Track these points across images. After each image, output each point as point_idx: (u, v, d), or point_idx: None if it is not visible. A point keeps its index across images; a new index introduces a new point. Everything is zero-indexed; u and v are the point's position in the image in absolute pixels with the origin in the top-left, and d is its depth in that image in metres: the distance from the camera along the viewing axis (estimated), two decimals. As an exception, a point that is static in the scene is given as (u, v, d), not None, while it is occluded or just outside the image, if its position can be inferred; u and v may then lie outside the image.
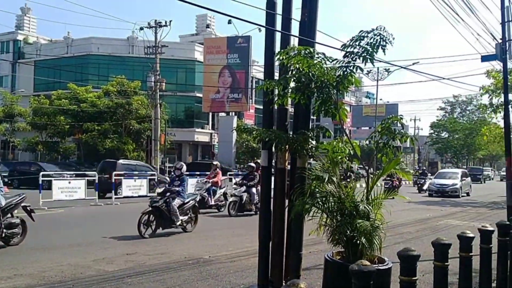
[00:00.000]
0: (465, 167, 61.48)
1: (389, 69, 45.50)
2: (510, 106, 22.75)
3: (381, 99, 71.41)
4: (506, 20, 11.59)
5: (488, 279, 5.35)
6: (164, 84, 33.81)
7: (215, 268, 7.78)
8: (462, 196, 27.54)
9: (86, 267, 7.73)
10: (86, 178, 19.21)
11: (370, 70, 47.26)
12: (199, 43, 48.63)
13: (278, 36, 6.79)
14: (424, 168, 51.09)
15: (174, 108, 44.47)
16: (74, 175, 21.63)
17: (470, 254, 4.80)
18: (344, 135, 6.83)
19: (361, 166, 6.44)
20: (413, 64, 35.16)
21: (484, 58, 12.43)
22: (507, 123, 12.35)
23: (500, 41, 11.66)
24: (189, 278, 7.09)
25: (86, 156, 35.51)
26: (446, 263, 4.32)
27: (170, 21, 33.45)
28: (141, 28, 33.86)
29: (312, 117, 6.96)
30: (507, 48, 11.54)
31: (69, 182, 18.37)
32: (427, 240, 6.93)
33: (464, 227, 12.35)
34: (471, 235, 4.83)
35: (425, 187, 30.38)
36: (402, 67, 27.31)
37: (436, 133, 70.06)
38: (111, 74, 38.71)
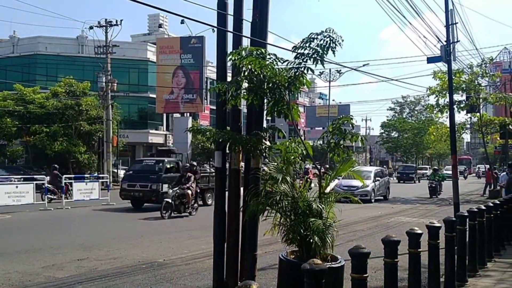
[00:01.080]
0: (414, 165, 63.51)
1: (340, 70, 46.43)
2: (455, 106, 23.80)
3: (333, 100, 72.79)
4: (450, 23, 12.06)
5: (436, 273, 5.52)
6: (115, 84, 33.11)
7: (170, 271, 7.68)
8: (376, 201, 22.72)
9: (35, 274, 7.44)
10: (35, 182, 18.51)
11: (323, 71, 48.11)
12: (152, 43, 47.91)
13: (230, 37, 6.79)
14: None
15: (127, 109, 43.56)
16: (22, 179, 20.74)
17: (419, 250, 4.94)
18: (297, 135, 6.91)
19: (314, 165, 6.51)
20: (364, 65, 36.15)
21: (430, 60, 12.88)
22: (452, 122, 12.86)
23: (444, 43, 12.13)
24: (143, 283, 6.95)
25: (34, 159, 34.19)
26: (395, 260, 4.44)
27: (121, 21, 32.85)
28: (91, 27, 33.05)
29: (267, 117, 7.00)
30: (451, 50, 12.01)
31: (17, 187, 17.65)
32: (379, 237, 7.14)
33: (413, 224, 12.74)
34: (419, 231, 4.98)
35: None
36: (352, 69, 28.00)
37: (386, 132, 72.03)
38: (60, 75, 37.46)
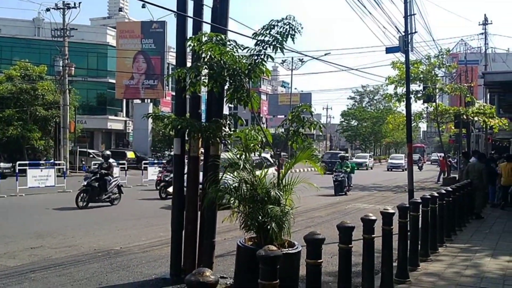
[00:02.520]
0: (372, 153, 64.96)
1: (302, 59, 46.68)
2: (412, 96, 24.40)
3: (295, 88, 73.38)
4: (408, 14, 12.33)
5: (390, 258, 5.68)
6: (73, 69, 32.18)
7: (127, 259, 7.59)
8: None
9: (-15, 263, 7.20)
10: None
11: (285, 60, 48.22)
12: (112, 27, 46.71)
13: (191, 22, 6.69)
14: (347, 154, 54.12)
15: (85, 94, 42.37)
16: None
17: (373, 235, 5.07)
18: (256, 123, 6.92)
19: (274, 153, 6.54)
20: (325, 54, 36.54)
21: (389, 50, 13.15)
22: (408, 112, 13.20)
23: (403, 33, 12.39)
24: (98, 271, 6.85)
25: (-14, 145, 32.92)
26: (350, 245, 4.53)
27: (80, 3, 31.81)
28: (48, 9, 31.91)
29: (228, 105, 6.97)
30: (409, 40, 12.29)
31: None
32: (336, 223, 7.29)
33: (369, 210, 13.06)
34: (373, 218, 5.10)
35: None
36: (314, 58, 28.17)
37: (346, 121, 73.16)
38: (15, 58, 36.03)
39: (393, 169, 46.03)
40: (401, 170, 44.19)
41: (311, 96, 68.54)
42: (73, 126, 32.76)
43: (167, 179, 16.68)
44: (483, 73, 14.81)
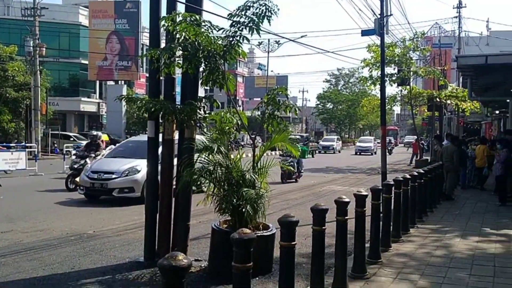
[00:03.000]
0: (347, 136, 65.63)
1: (279, 41, 46.52)
2: (387, 79, 24.63)
3: (272, 71, 73.27)
4: (384, -4, 12.35)
5: (362, 239, 5.77)
6: (44, 49, 31.33)
7: (100, 242, 7.51)
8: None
9: (-47, 248, 7.03)
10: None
11: (261, 42, 48.04)
12: (84, 7, 45.44)
13: (164, 2, 6.55)
14: (311, 136, 53.87)
15: (57, 76, 41.41)
16: None
17: (346, 217, 5.12)
18: (232, 105, 6.88)
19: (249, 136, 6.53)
20: (301, 37, 36.51)
21: (364, 33, 13.17)
22: (383, 94, 13.31)
23: (379, 16, 12.42)
24: (71, 255, 6.76)
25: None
26: (323, 227, 4.57)
27: (50, -19, 30.86)
28: (17, -13, 30.81)
29: (203, 87, 6.90)
30: (385, 23, 12.34)
31: None
32: (310, 205, 7.33)
33: (344, 192, 13.21)
34: (347, 200, 5.15)
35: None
36: (290, 40, 28.11)
37: (322, 104, 73.55)
38: (-18, 37, 34.91)
39: (361, 153, 44.17)
40: (370, 154, 43.12)
41: (288, 78, 68.69)
42: (44, 108, 32.04)
43: (75, 166, 13.88)
44: (456, 57, 15.02)
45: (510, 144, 12.33)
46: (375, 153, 42.79)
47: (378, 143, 35.07)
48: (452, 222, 9.34)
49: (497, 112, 24.68)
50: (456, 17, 36.91)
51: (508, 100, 16.32)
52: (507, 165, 11.84)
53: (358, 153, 44.20)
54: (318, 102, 74.34)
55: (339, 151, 47.27)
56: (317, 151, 40.96)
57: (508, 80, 13.52)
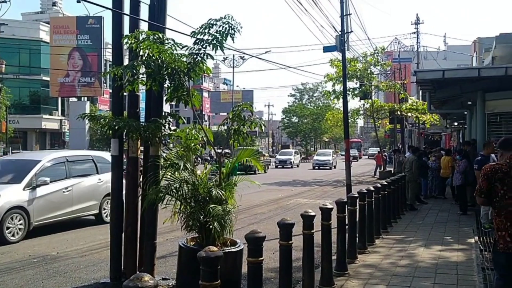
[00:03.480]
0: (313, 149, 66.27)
1: (244, 56, 46.81)
2: (349, 93, 25.15)
3: (237, 86, 73.52)
4: (344, 14, 12.69)
5: (329, 252, 5.84)
6: (3, 66, 30.54)
7: (64, 264, 7.32)
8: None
9: None
10: None
11: (226, 57, 48.23)
12: (45, 22, 44.69)
13: (127, 19, 6.54)
14: (277, 150, 54.07)
15: (17, 93, 40.38)
16: None
17: (312, 231, 5.19)
18: (197, 122, 6.87)
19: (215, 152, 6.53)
20: (265, 52, 36.89)
21: (326, 49, 13.47)
22: (345, 108, 13.59)
23: (339, 33, 12.74)
24: (34, 278, 6.56)
25: None
26: (290, 242, 4.61)
27: (10, -4, 30.16)
28: (-26, 3, 29.97)
29: (168, 104, 6.88)
30: (346, 39, 12.65)
31: None
32: (278, 219, 7.37)
33: (310, 205, 13.36)
34: (313, 214, 5.22)
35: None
36: (253, 56, 28.33)
37: (287, 118, 74.22)
38: None
39: (319, 167, 39.86)
40: (328, 168, 39.51)
41: (253, 93, 69.19)
42: (4, 126, 31.13)
43: None
44: (415, 71, 15.49)
45: (468, 155, 12.75)
46: (335, 167, 40.30)
47: (342, 155, 33.93)
48: (416, 232, 9.56)
49: (456, 123, 25.51)
50: (414, 32, 38.12)
51: (465, 112, 16.91)
52: (466, 175, 12.24)
53: (316, 167, 40.11)
54: (284, 116, 74.97)
55: (297, 165, 43.85)
56: (268, 166, 37.04)
57: (465, 93, 14.03)
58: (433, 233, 9.41)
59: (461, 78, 12.83)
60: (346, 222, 6.65)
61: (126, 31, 6.38)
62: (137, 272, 6.14)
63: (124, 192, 6.39)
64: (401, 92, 27.58)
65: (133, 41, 5.73)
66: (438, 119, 27.89)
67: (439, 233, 9.45)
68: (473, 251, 7.77)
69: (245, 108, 6.65)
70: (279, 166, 41.19)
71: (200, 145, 6.65)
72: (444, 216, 11.80)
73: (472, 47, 39.72)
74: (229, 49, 6.00)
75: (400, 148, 25.62)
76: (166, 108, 6.94)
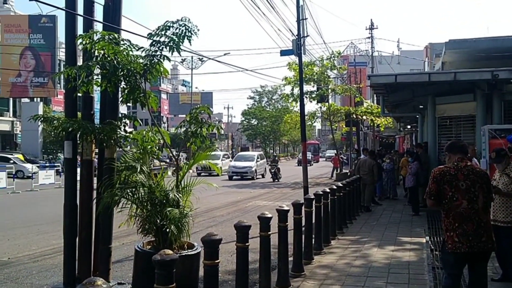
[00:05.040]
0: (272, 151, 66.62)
1: (202, 58, 46.58)
2: (307, 96, 25.50)
3: (196, 88, 73.12)
4: (301, 18, 12.89)
5: (285, 254, 5.91)
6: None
7: (15, 270, 7.08)
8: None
9: None
10: None
11: (185, 59, 47.89)
12: (-5, 20, 43.00)
13: (82, 19, 6.40)
14: (237, 153, 54.01)
15: (-35, 93, 38.68)
16: None
17: (269, 233, 5.24)
18: (154, 124, 6.80)
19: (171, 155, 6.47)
20: (224, 55, 36.84)
21: (283, 53, 13.63)
22: (302, 111, 13.78)
23: (296, 37, 12.92)
24: (-18, 286, 6.32)
25: None
26: (246, 244, 4.65)
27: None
28: None
29: (124, 105, 6.77)
30: (302, 43, 12.84)
31: None
32: (236, 221, 7.39)
33: (269, 207, 13.46)
34: (269, 216, 5.28)
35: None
36: (210, 58, 28.27)
37: (246, 120, 74.42)
38: None
39: (241, 176, 29.08)
40: (250, 177, 29.02)
41: (212, 95, 68.97)
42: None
43: None
44: (368, 75, 15.93)
45: (420, 157, 13.20)
46: (262, 175, 31.15)
47: (273, 161, 28.92)
48: (370, 233, 9.80)
49: (408, 126, 26.32)
50: (369, 37, 39.06)
51: (417, 116, 17.50)
52: (418, 176, 12.66)
53: (234, 177, 28.93)
54: (243, 118, 75.11)
55: (262, 176, 31.53)
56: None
57: (416, 97, 14.52)
58: (387, 234, 9.68)
59: (413, 83, 13.27)
60: (303, 224, 6.76)
61: (80, 31, 6.25)
62: (92, 277, 6.03)
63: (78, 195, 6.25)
64: (357, 95, 28.20)
65: (87, 41, 5.63)
66: (392, 122, 28.70)
67: (392, 233, 9.73)
68: (424, 250, 8.04)
69: (202, 111, 6.66)
70: (235, 178, 28.96)
71: (157, 147, 6.59)
72: (397, 217, 12.15)
73: (424, 52, 41.14)
74: (187, 51, 6.01)
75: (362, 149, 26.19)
76: (124, 110, 6.85)
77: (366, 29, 39.45)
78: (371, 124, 31.67)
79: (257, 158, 31.88)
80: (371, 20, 43.08)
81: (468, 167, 4.48)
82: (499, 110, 11.77)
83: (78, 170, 6.39)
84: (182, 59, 48.36)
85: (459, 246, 4.30)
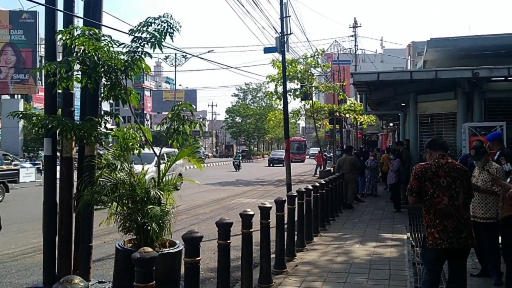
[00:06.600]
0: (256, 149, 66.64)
1: (186, 55, 46.38)
2: (291, 93, 25.55)
3: (180, 85, 72.79)
4: (284, 16, 12.90)
5: (267, 251, 5.92)
6: None
7: (-6, 269, 6.97)
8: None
9: None
10: None
11: (168, 56, 47.61)
12: (-26, 16, 42.20)
13: (62, 15, 6.32)
14: (221, 151, 53.88)
15: None
16: None
17: (251, 230, 5.24)
18: (136, 121, 6.75)
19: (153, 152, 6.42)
20: (208, 52, 36.72)
21: (266, 50, 13.63)
22: (286, 109, 13.81)
23: (280, 34, 12.92)
24: (-41, 285, 6.20)
25: None
26: (228, 241, 4.64)
27: None
28: None
29: (105, 102, 6.70)
30: (286, 41, 12.86)
31: None
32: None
33: (252, 205, 13.47)
34: (251, 213, 5.28)
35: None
36: (194, 55, 28.15)
37: (231, 118, 74.38)
38: None
39: None
40: None
41: (196, 92, 68.67)
42: None
43: None
44: (351, 73, 16.01)
45: (401, 155, 13.32)
46: (176, 188, 21.12)
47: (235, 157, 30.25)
48: (352, 229, 9.87)
49: (391, 124, 26.54)
50: (352, 35, 39.27)
51: (399, 114, 17.66)
52: (399, 174, 12.78)
53: None
54: (227, 116, 75.03)
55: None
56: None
57: (399, 95, 14.64)
58: (369, 230, 9.75)
59: (395, 81, 13.38)
60: (285, 221, 6.77)
61: (60, 27, 6.16)
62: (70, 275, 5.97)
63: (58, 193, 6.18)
64: (340, 93, 28.33)
65: (67, 37, 5.55)
66: (374, 120, 28.90)
67: (374, 230, 9.81)
68: (405, 247, 8.13)
69: (185, 108, 6.61)
70: None
71: (139, 144, 6.54)
72: (379, 213, 12.26)
73: (407, 50, 41.48)
74: (170, 47, 5.94)
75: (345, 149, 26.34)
76: (106, 107, 6.78)
77: (350, 27, 39.72)
78: (354, 122, 31.87)
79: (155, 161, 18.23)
80: (355, 18, 43.38)
81: (449, 164, 4.53)
82: (480, 108, 11.94)
83: (58, 167, 6.31)
84: (165, 56, 48.14)
85: (440, 242, 4.34)
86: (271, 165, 44.43)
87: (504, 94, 12.18)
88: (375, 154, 18.25)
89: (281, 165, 42.36)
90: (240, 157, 41.17)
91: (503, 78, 11.60)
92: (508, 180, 5.64)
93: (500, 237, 5.85)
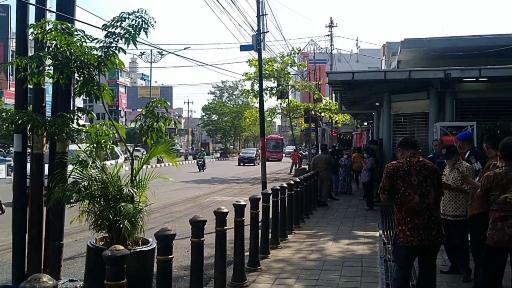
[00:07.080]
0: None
1: (162, 52, 45.97)
2: (267, 92, 25.58)
3: (156, 82, 72.16)
4: (261, 14, 12.92)
5: (241, 248, 5.92)
6: None
7: (-40, 269, 6.78)
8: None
9: None
10: None
11: (144, 52, 47.13)
12: None
13: (34, 9, 6.18)
14: (196, 148, 53.66)
15: None
16: None
17: (225, 228, 5.24)
18: (109, 117, 6.66)
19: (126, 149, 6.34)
20: (184, 49, 36.47)
21: (243, 48, 13.63)
22: (262, 107, 13.84)
23: (256, 32, 12.94)
24: None
25: None
26: (202, 239, 4.63)
27: None
28: None
29: (78, 98, 6.59)
30: (262, 39, 12.88)
31: None
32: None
33: (228, 202, 13.42)
34: (226, 210, 5.28)
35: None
36: (170, 52, 27.93)
37: (207, 115, 74.06)
38: None
39: None
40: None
41: (172, 89, 68.13)
42: None
43: None
44: (327, 73, 16.14)
45: (375, 153, 13.50)
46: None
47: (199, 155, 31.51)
48: (326, 227, 9.96)
49: (365, 123, 26.87)
50: (328, 35, 39.57)
51: (373, 113, 17.88)
52: (373, 172, 12.95)
53: None
54: (204, 114, 74.68)
55: None
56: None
57: (373, 94, 14.82)
58: (342, 228, 9.86)
59: (370, 80, 13.54)
60: (260, 219, 6.79)
61: (32, 21, 6.04)
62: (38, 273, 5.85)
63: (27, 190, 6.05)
64: (316, 92, 28.52)
65: (39, 31, 5.44)
66: (349, 119, 29.20)
67: (347, 227, 9.92)
68: (377, 244, 8.24)
69: (159, 104, 6.55)
70: None
71: (112, 141, 6.45)
72: (352, 211, 12.40)
73: (382, 51, 42.03)
74: (145, 43, 5.88)
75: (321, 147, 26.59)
76: (80, 103, 6.66)
77: (326, 26, 39.99)
78: (330, 121, 32.13)
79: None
80: (331, 18, 43.79)
81: (420, 162, 4.60)
82: (451, 108, 12.17)
83: (29, 164, 6.19)
84: (141, 52, 47.66)
85: (411, 240, 4.41)
86: (241, 164, 42.67)
87: (475, 95, 12.44)
88: (349, 152, 18.48)
89: (252, 164, 41.48)
90: (205, 156, 36.39)
91: (474, 79, 11.85)
92: (477, 178, 5.78)
93: (469, 235, 5.98)
